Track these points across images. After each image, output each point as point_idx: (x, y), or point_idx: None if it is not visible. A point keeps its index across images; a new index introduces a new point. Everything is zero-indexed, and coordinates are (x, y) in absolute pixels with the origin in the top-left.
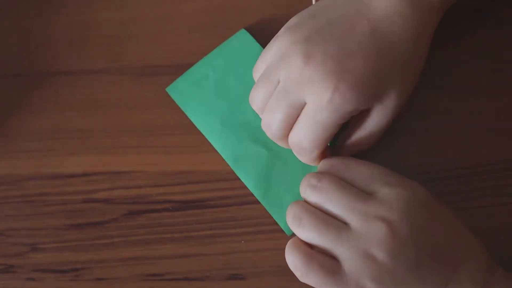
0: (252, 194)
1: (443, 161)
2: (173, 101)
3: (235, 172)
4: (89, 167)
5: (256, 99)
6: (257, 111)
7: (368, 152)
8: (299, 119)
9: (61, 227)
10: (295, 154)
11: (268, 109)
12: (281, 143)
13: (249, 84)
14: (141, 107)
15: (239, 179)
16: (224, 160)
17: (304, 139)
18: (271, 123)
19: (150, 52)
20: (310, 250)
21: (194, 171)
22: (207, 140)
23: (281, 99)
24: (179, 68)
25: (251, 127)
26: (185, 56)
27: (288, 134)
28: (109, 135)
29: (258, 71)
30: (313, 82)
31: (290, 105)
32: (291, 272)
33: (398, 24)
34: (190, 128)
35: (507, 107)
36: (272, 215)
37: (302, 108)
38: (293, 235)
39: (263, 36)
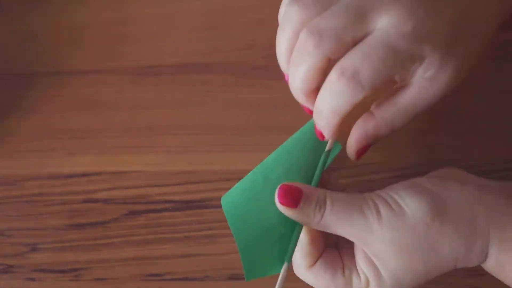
0: None
1: (443, 161)
2: (173, 101)
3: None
4: (89, 167)
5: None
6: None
7: (367, 152)
8: (360, 45)
9: (61, 227)
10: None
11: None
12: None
13: None
14: (141, 107)
15: (239, 179)
16: (224, 160)
17: (363, 69)
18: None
19: (150, 52)
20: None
21: (194, 171)
22: (207, 140)
23: (339, 16)
24: (179, 68)
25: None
26: (185, 56)
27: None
28: (109, 135)
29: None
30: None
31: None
32: (291, 272)
33: None
34: (190, 128)
35: (507, 107)
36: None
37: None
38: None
39: (263, 36)
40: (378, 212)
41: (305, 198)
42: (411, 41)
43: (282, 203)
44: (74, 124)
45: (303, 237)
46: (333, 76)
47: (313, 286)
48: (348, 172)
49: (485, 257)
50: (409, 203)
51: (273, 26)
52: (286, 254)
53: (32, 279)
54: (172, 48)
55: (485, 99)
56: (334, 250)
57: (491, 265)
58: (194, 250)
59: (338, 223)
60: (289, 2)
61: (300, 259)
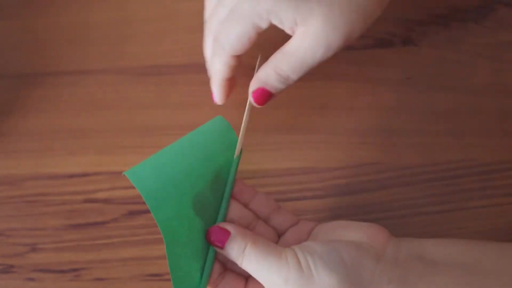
0: None
1: (444, 161)
2: (173, 101)
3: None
4: (89, 167)
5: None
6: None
7: (367, 152)
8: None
9: (61, 227)
10: (213, 54)
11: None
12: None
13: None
14: (141, 107)
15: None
16: None
17: (222, 32)
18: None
19: (150, 52)
20: None
21: None
22: None
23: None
24: (179, 68)
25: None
26: (185, 56)
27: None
28: (109, 135)
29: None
30: None
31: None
32: None
33: None
34: (190, 128)
35: (507, 107)
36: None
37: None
38: None
39: (262, 36)
40: (287, 272)
41: (229, 241)
42: (250, 2)
43: (211, 242)
44: (74, 124)
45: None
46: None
47: None
48: (348, 172)
49: None
50: (321, 272)
51: (273, 26)
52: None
53: (32, 279)
54: (172, 48)
55: (485, 99)
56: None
57: None
58: None
59: (252, 272)
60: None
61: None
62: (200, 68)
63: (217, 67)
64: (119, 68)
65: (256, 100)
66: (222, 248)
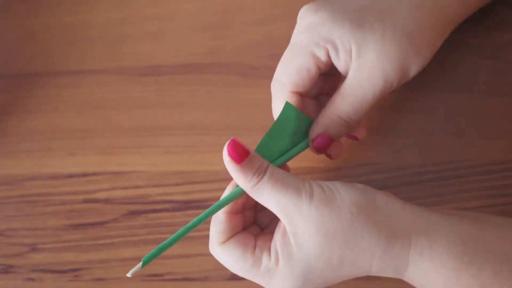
0: None
1: (443, 161)
2: (173, 101)
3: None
4: (89, 167)
5: None
6: None
7: (367, 152)
8: None
9: (61, 227)
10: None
11: None
12: None
13: None
14: (141, 107)
15: None
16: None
17: (280, 69)
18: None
19: (150, 52)
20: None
21: (194, 171)
22: (207, 140)
23: None
24: (179, 68)
25: None
26: (185, 56)
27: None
28: (109, 135)
29: None
30: None
31: None
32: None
33: None
34: (190, 128)
35: (507, 107)
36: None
37: None
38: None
39: (263, 36)
40: (311, 193)
41: (250, 158)
42: (305, 31)
43: (229, 153)
44: (74, 124)
45: (220, 214)
46: None
47: (223, 263)
48: (348, 172)
49: (405, 264)
50: (341, 191)
51: (273, 26)
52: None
53: (32, 279)
54: (172, 48)
55: (485, 99)
56: (249, 233)
57: (413, 274)
58: (194, 250)
59: (271, 193)
60: None
61: (214, 235)
62: (200, 68)
63: (280, 104)
64: (119, 68)
65: (317, 149)
66: (239, 162)
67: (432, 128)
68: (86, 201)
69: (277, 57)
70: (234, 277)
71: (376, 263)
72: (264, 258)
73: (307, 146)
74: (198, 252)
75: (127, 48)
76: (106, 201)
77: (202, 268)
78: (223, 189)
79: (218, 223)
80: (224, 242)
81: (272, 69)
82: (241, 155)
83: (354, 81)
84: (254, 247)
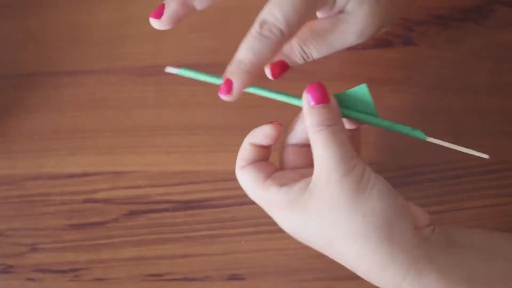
0: None
1: (443, 161)
2: (173, 101)
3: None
4: (89, 167)
5: None
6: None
7: (367, 152)
8: None
9: (61, 227)
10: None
11: None
12: None
13: None
14: (141, 107)
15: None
16: (224, 160)
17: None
18: None
19: (150, 52)
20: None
21: (194, 171)
22: (207, 140)
23: None
24: None
25: None
26: (185, 56)
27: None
28: (109, 135)
29: None
30: None
31: None
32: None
33: None
34: (190, 128)
35: (507, 107)
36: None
37: None
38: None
39: None
40: (350, 170)
41: (332, 103)
42: None
43: (310, 92)
44: (74, 124)
45: (245, 143)
46: (255, 26)
47: (242, 187)
48: None
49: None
50: (375, 193)
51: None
52: None
53: (32, 279)
54: (172, 48)
55: (485, 99)
56: (271, 164)
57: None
58: (194, 250)
59: (324, 145)
60: None
61: (237, 160)
62: (200, 68)
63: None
64: (119, 68)
65: (273, 72)
66: (328, 102)
67: (432, 128)
68: (86, 201)
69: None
70: (234, 277)
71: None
72: (273, 187)
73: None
74: (198, 252)
75: (127, 48)
76: (106, 201)
77: (202, 268)
78: (223, 189)
79: (243, 150)
80: (243, 166)
81: None
82: (325, 97)
83: (330, 25)
84: (270, 175)
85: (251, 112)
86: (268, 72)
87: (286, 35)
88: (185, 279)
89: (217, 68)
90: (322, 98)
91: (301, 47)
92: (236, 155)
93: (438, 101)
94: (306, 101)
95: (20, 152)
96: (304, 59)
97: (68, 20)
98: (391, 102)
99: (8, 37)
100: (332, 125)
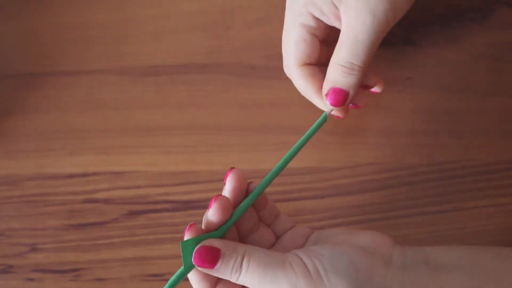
0: None
1: (444, 161)
2: (173, 101)
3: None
4: (89, 167)
5: None
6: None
7: (367, 152)
8: None
9: (61, 227)
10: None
11: None
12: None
13: None
14: (141, 107)
15: None
16: (224, 160)
17: (283, 51)
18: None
19: (150, 52)
20: None
21: (194, 171)
22: (207, 140)
23: None
24: (179, 68)
25: None
26: (185, 56)
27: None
28: (109, 135)
29: None
30: None
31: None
32: None
33: None
34: (190, 128)
35: (507, 107)
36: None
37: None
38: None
39: (263, 36)
40: (295, 280)
41: (222, 258)
42: None
43: (199, 266)
44: (74, 124)
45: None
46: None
47: None
48: (348, 172)
49: None
50: (331, 277)
51: (273, 26)
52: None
53: (32, 279)
54: (172, 48)
55: (485, 99)
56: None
57: None
58: None
59: (252, 284)
60: None
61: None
62: (200, 68)
63: (298, 83)
64: (119, 68)
65: (332, 102)
66: (213, 268)
67: (432, 128)
68: (86, 201)
69: (277, 57)
70: None
71: None
72: None
73: (325, 119)
74: None
75: (127, 48)
76: (106, 201)
77: None
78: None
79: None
80: None
81: (272, 69)
82: (211, 260)
83: (344, 25)
84: None
85: (250, 112)
86: (328, 104)
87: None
88: (185, 279)
89: (217, 68)
90: (211, 261)
91: (337, 64)
92: (236, 155)
93: (438, 101)
94: (203, 271)
95: (20, 152)
96: (350, 73)
97: (68, 20)
98: (391, 102)
99: (8, 37)
100: (239, 270)
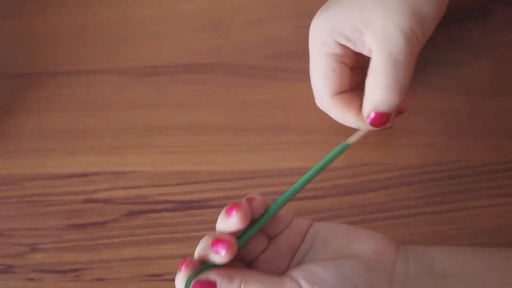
0: None
1: (444, 161)
2: (173, 101)
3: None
4: (89, 167)
5: None
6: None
7: (367, 152)
8: None
9: (61, 227)
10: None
11: None
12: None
13: None
14: (141, 107)
15: (239, 179)
16: (224, 160)
17: (312, 83)
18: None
19: (150, 52)
20: None
21: (194, 171)
22: (207, 140)
23: None
24: (179, 68)
25: None
26: (185, 56)
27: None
28: (109, 135)
29: None
30: None
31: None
32: None
33: None
34: (190, 128)
35: (507, 107)
36: None
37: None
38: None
39: (263, 36)
40: None
41: None
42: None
43: None
44: (74, 124)
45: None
46: None
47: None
48: (348, 172)
49: None
50: None
51: (273, 26)
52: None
53: (32, 279)
54: (172, 48)
55: (485, 99)
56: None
57: None
58: (194, 250)
59: None
60: None
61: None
62: (200, 68)
63: (335, 114)
64: (119, 68)
65: (374, 124)
66: None
67: (432, 128)
68: (86, 201)
69: (276, 57)
70: None
71: None
72: None
73: (346, 147)
74: None
75: (127, 48)
76: (106, 201)
77: None
78: (223, 189)
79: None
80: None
81: (272, 69)
82: None
83: (376, 50)
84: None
85: (250, 112)
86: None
87: None
88: None
89: (217, 68)
90: None
91: (380, 90)
92: (236, 155)
93: (438, 101)
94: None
95: (20, 152)
96: (394, 96)
97: (68, 20)
98: None
99: (8, 37)
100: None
